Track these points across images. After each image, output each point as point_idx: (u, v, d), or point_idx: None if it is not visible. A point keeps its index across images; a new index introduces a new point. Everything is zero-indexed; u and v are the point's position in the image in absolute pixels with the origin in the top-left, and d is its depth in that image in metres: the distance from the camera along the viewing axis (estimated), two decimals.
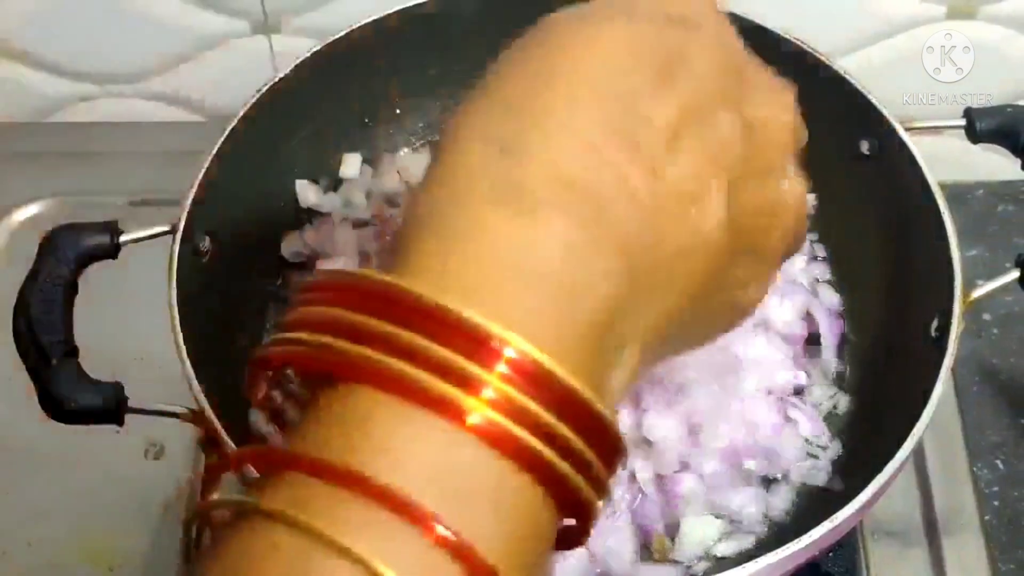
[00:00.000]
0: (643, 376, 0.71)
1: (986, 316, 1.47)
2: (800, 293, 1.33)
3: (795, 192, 0.77)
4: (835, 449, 1.25)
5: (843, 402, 1.30)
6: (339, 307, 0.61)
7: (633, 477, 1.20)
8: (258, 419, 1.28)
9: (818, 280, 1.36)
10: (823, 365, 1.31)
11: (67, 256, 1.16)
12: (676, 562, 1.20)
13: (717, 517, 1.20)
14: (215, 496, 0.61)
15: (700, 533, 1.19)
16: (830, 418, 1.28)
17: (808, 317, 1.32)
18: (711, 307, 0.74)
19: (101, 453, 1.38)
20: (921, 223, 1.23)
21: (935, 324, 1.19)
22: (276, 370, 0.65)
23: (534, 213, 0.64)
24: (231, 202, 1.30)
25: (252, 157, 1.33)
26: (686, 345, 0.80)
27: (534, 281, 0.62)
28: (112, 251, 1.19)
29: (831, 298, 1.35)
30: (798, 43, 1.32)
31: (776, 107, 0.78)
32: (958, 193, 1.53)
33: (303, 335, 0.62)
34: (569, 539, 0.64)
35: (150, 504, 1.37)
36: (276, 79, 1.32)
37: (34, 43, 1.67)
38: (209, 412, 1.12)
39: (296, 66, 1.33)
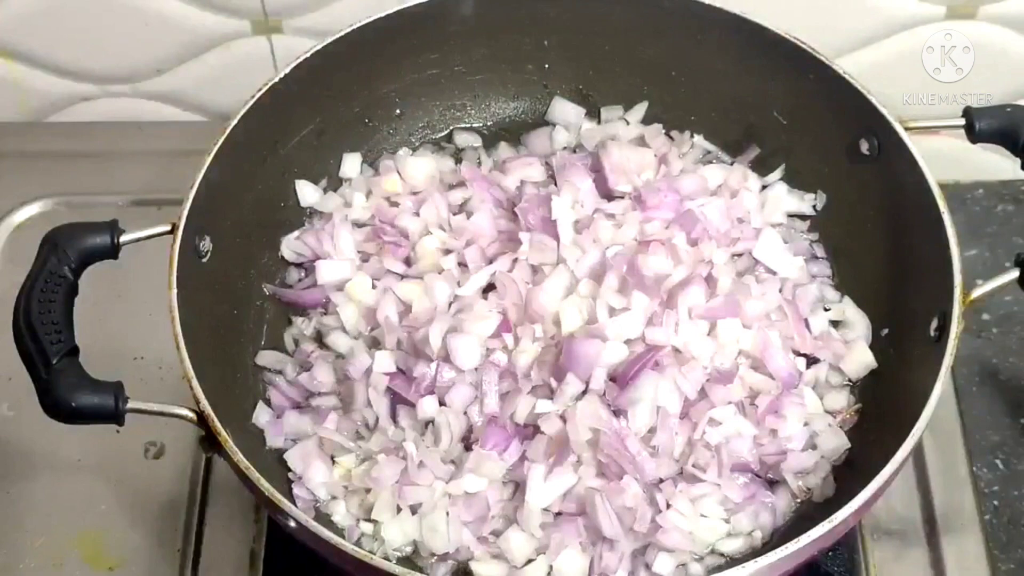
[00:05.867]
0: None
1: (986, 316, 1.47)
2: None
3: None
4: (836, 448, 1.25)
5: (843, 401, 1.30)
6: None
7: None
8: (259, 418, 1.29)
9: (818, 279, 1.37)
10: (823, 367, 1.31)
11: (67, 256, 1.16)
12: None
13: (720, 517, 1.21)
14: None
15: (705, 532, 1.19)
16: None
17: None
18: None
19: (101, 453, 1.38)
20: (921, 223, 1.23)
21: (935, 324, 1.20)
22: None
23: None
24: (231, 202, 1.30)
25: (252, 157, 1.33)
26: None
27: None
28: (112, 251, 1.19)
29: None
30: (798, 43, 1.32)
31: None
32: (958, 193, 1.53)
33: None
34: None
35: (150, 504, 1.37)
36: (276, 79, 1.32)
37: (34, 43, 1.67)
38: (209, 412, 1.12)
39: (296, 66, 1.33)
